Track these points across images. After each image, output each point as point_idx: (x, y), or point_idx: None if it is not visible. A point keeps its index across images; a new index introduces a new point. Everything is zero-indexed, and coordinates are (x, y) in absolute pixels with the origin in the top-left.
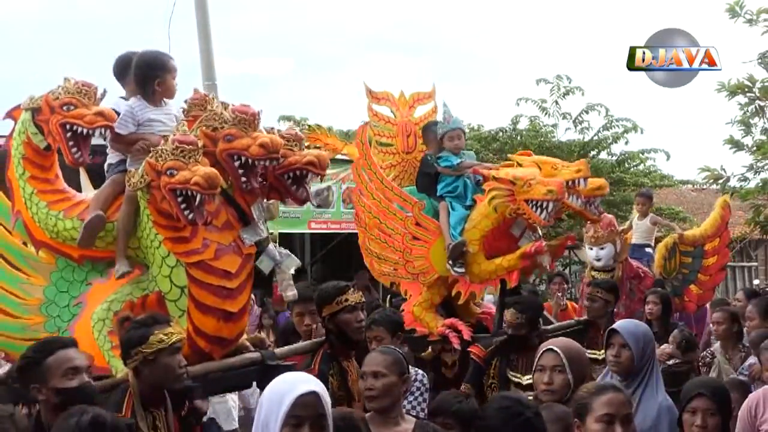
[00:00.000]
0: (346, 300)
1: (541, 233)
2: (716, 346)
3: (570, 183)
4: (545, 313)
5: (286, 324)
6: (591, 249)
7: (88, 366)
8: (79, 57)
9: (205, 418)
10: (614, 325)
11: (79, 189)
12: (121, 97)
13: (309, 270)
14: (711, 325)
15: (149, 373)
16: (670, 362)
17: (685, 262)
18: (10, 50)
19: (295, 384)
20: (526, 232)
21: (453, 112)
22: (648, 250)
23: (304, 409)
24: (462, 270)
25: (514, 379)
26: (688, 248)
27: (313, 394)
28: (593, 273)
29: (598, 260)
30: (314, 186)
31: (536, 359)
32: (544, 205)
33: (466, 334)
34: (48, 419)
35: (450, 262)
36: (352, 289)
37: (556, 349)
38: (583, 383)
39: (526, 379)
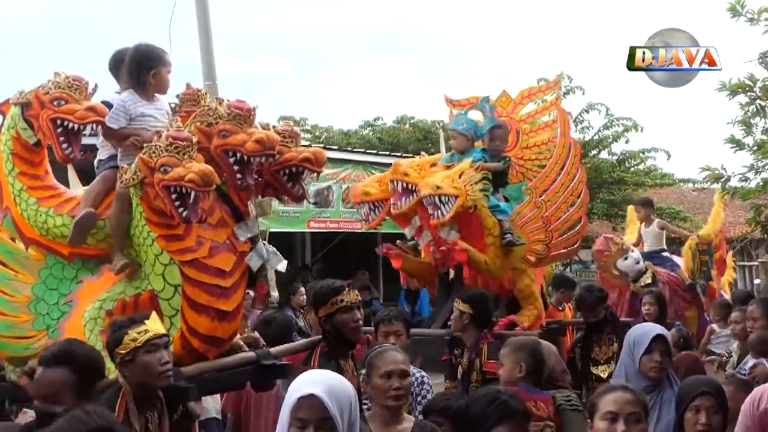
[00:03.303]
0: (342, 300)
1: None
2: (734, 346)
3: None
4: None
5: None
6: (626, 259)
7: None
8: (79, 57)
9: (204, 417)
10: (658, 331)
11: (67, 186)
12: (117, 92)
13: (310, 269)
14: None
15: (131, 374)
16: None
17: (703, 260)
18: (10, 50)
19: (302, 385)
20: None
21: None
22: (665, 254)
23: (307, 412)
24: None
25: None
26: (704, 247)
27: (314, 397)
28: (638, 284)
29: (638, 263)
30: (314, 185)
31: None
32: None
33: None
34: None
35: None
36: (347, 289)
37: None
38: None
39: None
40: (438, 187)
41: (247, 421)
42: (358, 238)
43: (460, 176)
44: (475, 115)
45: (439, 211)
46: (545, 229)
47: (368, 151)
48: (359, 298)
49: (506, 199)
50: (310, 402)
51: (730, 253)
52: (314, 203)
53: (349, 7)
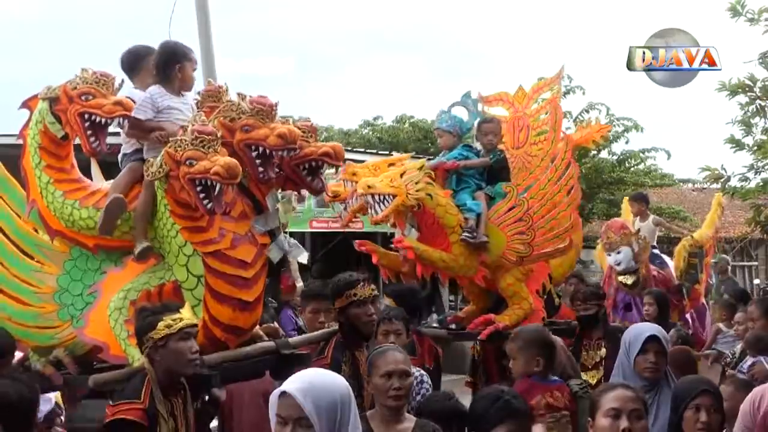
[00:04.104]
0: (355, 294)
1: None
2: (739, 346)
3: None
4: None
5: None
6: (609, 255)
7: None
8: (79, 57)
9: None
10: (652, 331)
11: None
12: (135, 88)
13: (309, 269)
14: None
15: (161, 359)
16: None
17: (692, 263)
18: (10, 50)
19: (285, 382)
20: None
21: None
22: (655, 251)
23: (285, 410)
24: None
25: None
26: (696, 250)
27: (288, 395)
28: (620, 278)
29: (618, 264)
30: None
31: None
32: None
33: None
34: None
35: None
36: (362, 283)
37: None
38: (554, 359)
39: None
40: (370, 187)
41: (229, 420)
42: (359, 238)
43: (401, 175)
44: (459, 111)
45: (372, 210)
46: (527, 227)
47: (368, 150)
48: (374, 292)
49: (491, 197)
50: (286, 400)
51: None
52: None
53: (349, 7)
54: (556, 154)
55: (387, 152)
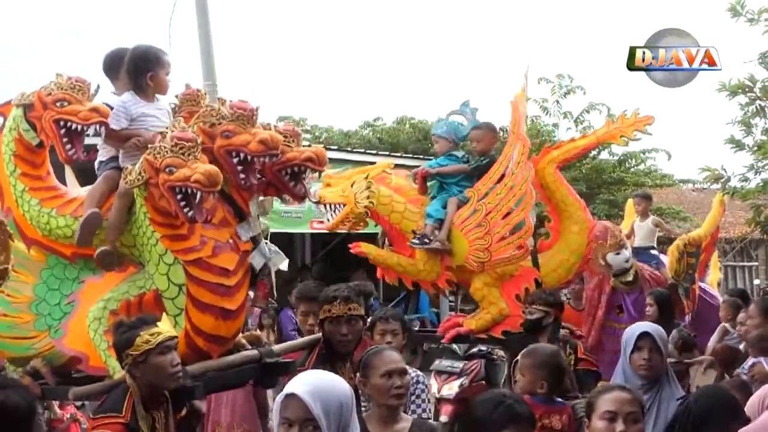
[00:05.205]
0: (330, 311)
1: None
2: (741, 346)
3: None
4: None
5: None
6: (618, 254)
7: None
8: (79, 57)
9: None
10: (645, 328)
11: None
12: (113, 93)
13: (309, 269)
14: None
15: (141, 375)
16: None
17: (690, 262)
18: (10, 50)
19: (290, 384)
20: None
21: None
22: (653, 252)
23: (292, 412)
24: None
25: None
26: (693, 249)
27: (296, 397)
28: (619, 278)
29: (627, 261)
30: (314, 186)
31: None
32: None
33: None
34: None
35: None
36: (339, 300)
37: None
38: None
39: None
40: (321, 197)
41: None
42: (359, 239)
43: (352, 185)
44: (458, 119)
45: (326, 218)
46: (485, 233)
47: (368, 151)
48: (351, 311)
49: (464, 203)
50: (294, 402)
51: (715, 254)
52: (316, 203)
53: (350, 6)
54: (513, 158)
55: (387, 153)
